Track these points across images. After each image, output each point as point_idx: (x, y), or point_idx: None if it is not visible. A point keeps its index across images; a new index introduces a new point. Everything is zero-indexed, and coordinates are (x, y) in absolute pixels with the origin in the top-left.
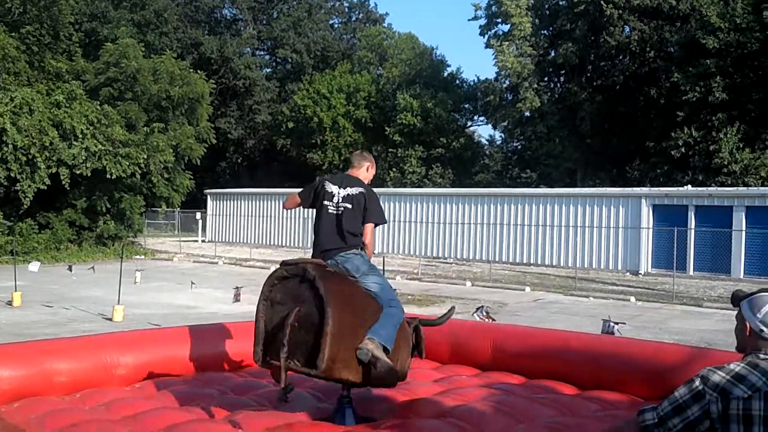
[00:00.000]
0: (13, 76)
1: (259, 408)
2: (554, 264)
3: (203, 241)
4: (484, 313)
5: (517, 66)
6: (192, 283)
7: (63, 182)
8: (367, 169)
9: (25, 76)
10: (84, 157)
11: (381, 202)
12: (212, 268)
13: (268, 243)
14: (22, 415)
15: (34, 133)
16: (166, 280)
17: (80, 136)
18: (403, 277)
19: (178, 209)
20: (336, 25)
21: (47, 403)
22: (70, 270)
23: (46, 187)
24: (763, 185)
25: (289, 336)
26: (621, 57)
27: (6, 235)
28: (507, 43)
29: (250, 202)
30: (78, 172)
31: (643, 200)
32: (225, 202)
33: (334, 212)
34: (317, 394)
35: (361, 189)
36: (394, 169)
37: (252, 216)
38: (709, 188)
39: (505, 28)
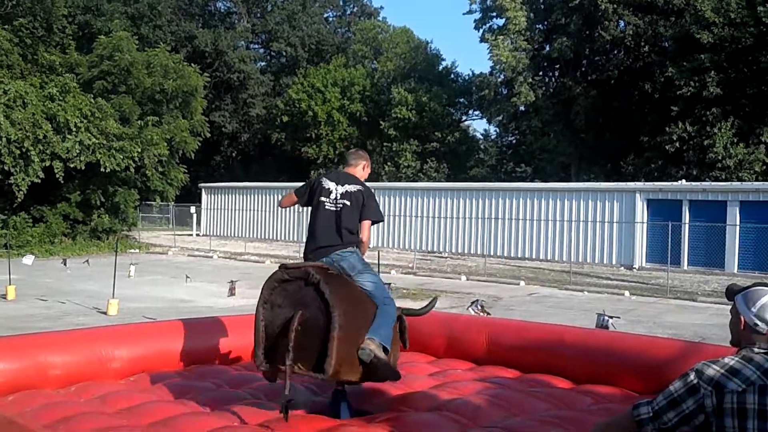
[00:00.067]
0: (6, 69)
1: (254, 401)
2: (549, 258)
3: (198, 234)
4: (479, 307)
5: (511, 60)
6: (187, 276)
7: (57, 176)
8: (363, 168)
9: (18, 69)
10: (78, 151)
11: (376, 197)
12: (207, 262)
13: (262, 237)
14: (17, 408)
15: (27, 127)
16: (160, 274)
17: (74, 129)
18: (398, 272)
19: (173, 203)
20: (330, 19)
21: (42, 396)
22: (65, 264)
23: (40, 181)
24: (757, 180)
25: (294, 341)
26: (615, 51)
27: (0, 229)
28: (502, 37)
29: (244, 196)
30: (72, 165)
31: (638, 195)
32: (219, 196)
33: (332, 209)
34: (312, 387)
35: (359, 187)
36: (388, 164)
37: (247, 210)
38: (704, 183)
39: (500, 22)
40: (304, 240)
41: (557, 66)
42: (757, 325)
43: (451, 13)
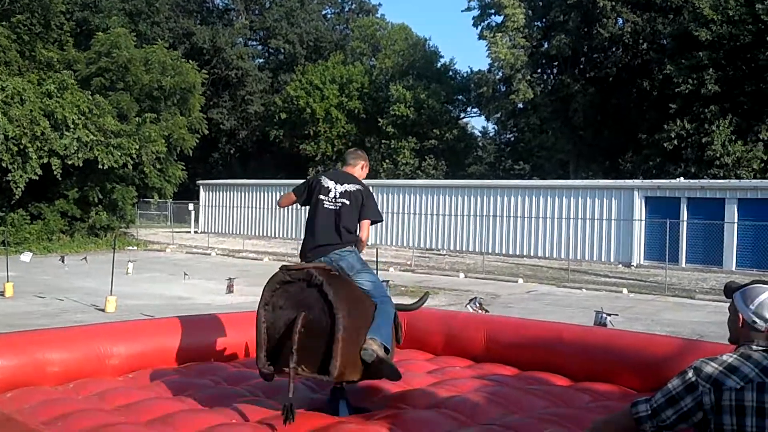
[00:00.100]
0: (4, 65)
1: (253, 398)
2: (547, 256)
3: (196, 232)
4: (478, 305)
5: (510, 57)
6: (185, 274)
7: (55, 172)
8: (362, 168)
9: (15, 65)
10: (75, 148)
11: (374, 194)
12: (205, 259)
13: (261, 234)
14: (15, 404)
15: (25, 123)
16: (158, 271)
17: (72, 126)
18: (396, 269)
19: (171, 200)
20: (329, 16)
21: (40, 393)
22: (63, 261)
23: (37, 178)
24: (755, 177)
25: (298, 343)
26: (614, 49)
27: None
28: (500, 34)
29: (242, 193)
30: (70, 162)
31: (636, 192)
32: (218, 193)
33: (331, 208)
34: (310, 384)
35: (359, 186)
36: (387, 161)
37: (245, 207)
38: (702, 180)
39: (498, 19)
40: (302, 237)
41: (555, 63)
42: (755, 322)
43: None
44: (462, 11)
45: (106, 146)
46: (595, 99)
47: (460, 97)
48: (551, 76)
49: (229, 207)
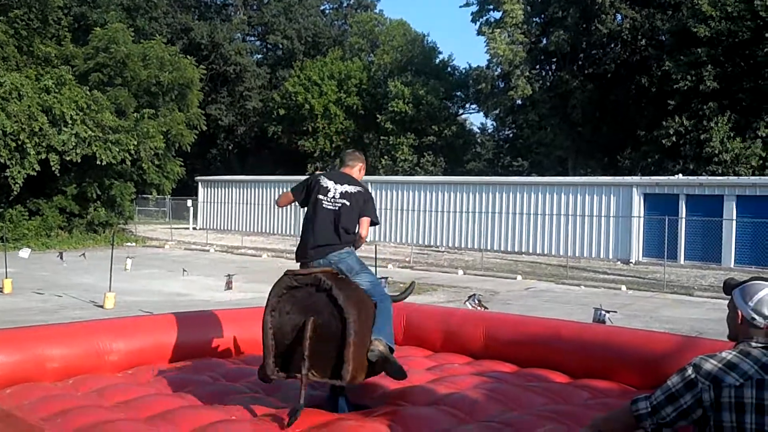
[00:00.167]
0: (2, 61)
1: (252, 395)
2: (546, 252)
3: (194, 228)
4: (476, 302)
5: (508, 53)
6: (183, 270)
7: (53, 168)
8: (360, 170)
9: (13, 61)
10: (74, 143)
11: (372, 190)
12: (204, 256)
13: (259, 230)
14: (14, 400)
15: (23, 119)
16: (157, 268)
17: (70, 121)
18: (395, 266)
19: (169, 196)
20: (327, 11)
21: (40, 389)
22: (61, 257)
23: (35, 174)
24: (753, 174)
25: (309, 348)
26: (612, 45)
27: None
28: (499, 30)
29: (241, 189)
30: (68, 158)
31: (634, 189)
32: (216, 189)
33: (331, 208)
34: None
35: (359, 188)
36: (385, 157)
37: (243, 203)
38: (700, 177)
39: (497, 15)
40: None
41: (554, 59)
42: (754, 319)
43: (447, 6)
44: (460, 7)
45: (104, 142)
46: (594, 95)
47: (458, 93)
48: (550, 73)
49: (228, 203)
